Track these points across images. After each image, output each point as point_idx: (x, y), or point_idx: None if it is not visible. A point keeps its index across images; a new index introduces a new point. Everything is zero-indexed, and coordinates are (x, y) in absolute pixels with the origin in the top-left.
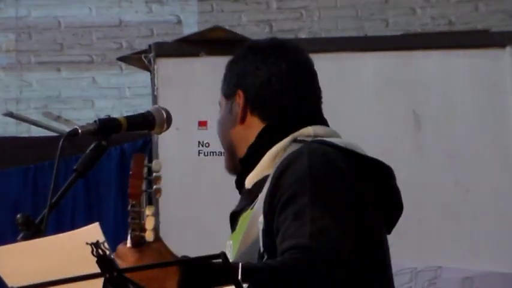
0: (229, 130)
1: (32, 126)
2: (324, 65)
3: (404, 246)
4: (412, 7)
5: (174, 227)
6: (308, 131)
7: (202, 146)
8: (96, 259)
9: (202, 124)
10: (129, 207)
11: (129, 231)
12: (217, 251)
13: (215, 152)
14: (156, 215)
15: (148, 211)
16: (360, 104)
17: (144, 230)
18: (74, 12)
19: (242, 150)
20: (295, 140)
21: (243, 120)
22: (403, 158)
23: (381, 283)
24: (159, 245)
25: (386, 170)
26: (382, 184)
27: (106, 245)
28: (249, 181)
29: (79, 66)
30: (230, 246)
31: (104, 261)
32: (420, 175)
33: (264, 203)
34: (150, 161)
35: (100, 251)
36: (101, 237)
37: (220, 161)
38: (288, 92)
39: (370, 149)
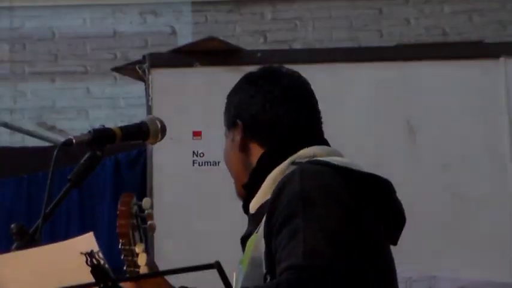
0: (233, 158)
1: (26, 136)
2: (317, 75)
3: (398, 256)
4: (407, 18)
5: (169, 236)
6: (306, 153)
7: (197, 156)
8: (90, 269)
9: (197, 134)
10: (119, 246)
11: (125, 267)
12: (211, 260)
13: (209, 162)
14: (148, 251)
15: (138, 249)
16: (354, 114)
17: (138, 266)
18: (68, 23)
19: (246, 177)
20: (293, 163)
21: (243, 148)
22: (398, 168)
23: None
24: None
25: (385, 184)
26: (381, 198)
27: (100, 254)
28: (253, 206)
29: (73, 76)
30: (240, 270)
31: (98, 271)
32: (414, 184)
33: (264, 226)
34: (145, 168)
35: (94, 261)
36: (95, 246)
37: (215, 171)
38: (283, 116)
39: (365, 158)
